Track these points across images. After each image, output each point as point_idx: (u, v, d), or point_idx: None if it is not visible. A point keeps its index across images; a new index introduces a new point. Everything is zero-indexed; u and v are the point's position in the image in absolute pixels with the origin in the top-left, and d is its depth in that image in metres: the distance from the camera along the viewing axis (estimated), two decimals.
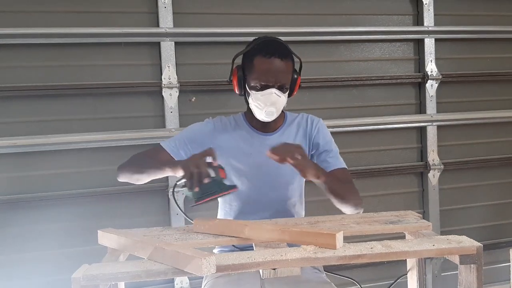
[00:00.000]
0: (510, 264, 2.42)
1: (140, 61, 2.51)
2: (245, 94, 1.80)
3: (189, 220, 1.60)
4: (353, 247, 1.26)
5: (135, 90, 2.48)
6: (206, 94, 2.58)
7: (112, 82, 2.45)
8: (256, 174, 1.81)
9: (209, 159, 1.53)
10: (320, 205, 2.25)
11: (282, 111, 1.84)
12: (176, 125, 2.50)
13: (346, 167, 1.85)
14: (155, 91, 2.50)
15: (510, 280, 2.43)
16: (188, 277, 2.49)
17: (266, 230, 1.40)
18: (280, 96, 1.70)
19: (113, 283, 1.16)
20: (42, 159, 2.39)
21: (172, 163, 1.57)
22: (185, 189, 1.50)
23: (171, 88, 2.49)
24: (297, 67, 1.83)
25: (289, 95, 1.78)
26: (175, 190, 1.60)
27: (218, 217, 1.96)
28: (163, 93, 2.48)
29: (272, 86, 1.68)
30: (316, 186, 1.70)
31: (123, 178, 1.74)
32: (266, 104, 1.70)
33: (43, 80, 2.38)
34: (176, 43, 2.50)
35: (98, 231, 1.49)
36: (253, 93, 1.72)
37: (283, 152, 1.50)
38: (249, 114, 1.87)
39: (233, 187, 1.58)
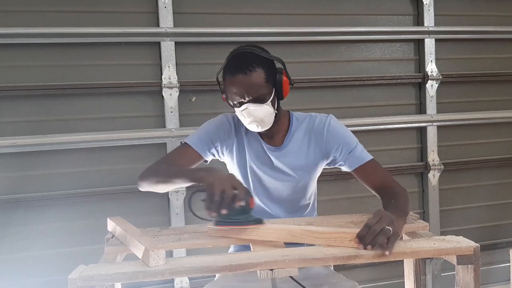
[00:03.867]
0: (509, 265, 2.41)
1: (140, 61, 2.51)
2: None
3: (215, 230, 1.50)
4: (351, 247, 1.27)
5: (135, 90, 2.48)
6: (206, 94, 2.58)
7: (112, 82, 2.46)
8: (265, 185, 1.82)
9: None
10: (327, 205, 2.28)
11: (288, 112, 1.83)
12: (176, 125, 2.50)
13: (372, 157, 1.82)
14: (155, 91, 2.50)
15: (509, 280, 2.43)
16: (188, 277, 2.49)
17: (282, 232, 1.41)
18: (260, 108, 1.64)
19: (109, 283, 1.16)
20: (42, 159, 2.39)
21: (199, 177, 1.47)
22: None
23: (171, 88, 2.49)
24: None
25: (279, 98, 1.72)
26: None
27: None
28: (163, 93, 2.48)
29: (247, 102, 1.64)
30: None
31: (144, 188, 1.72)
32: (246, 119, 1.67)
33: (43, 80, 2.38)
34: (176, 43, 2.51)
35: (108, 218, 1.58)
36: (235, 109, 1.70)
37: (369, 240, 1.28)
38: None
39: (260, 221, 1.47)
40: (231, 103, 1.69)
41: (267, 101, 1.66)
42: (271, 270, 1.19)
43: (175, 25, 2.50)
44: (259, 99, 1.64)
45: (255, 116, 1.65)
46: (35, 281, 2.39)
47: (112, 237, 1.52)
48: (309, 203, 1.89)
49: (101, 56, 2.46)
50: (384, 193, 1.73)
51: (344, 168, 1.83)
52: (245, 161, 1.81)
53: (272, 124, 1.70)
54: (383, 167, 1.82)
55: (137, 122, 2.50)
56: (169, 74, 2.49)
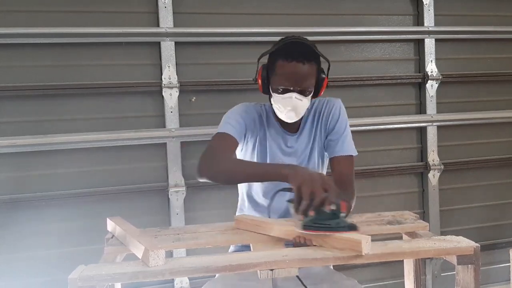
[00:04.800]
0: (509, 265, 2.42)
1: (140, 61, 2.51)
2: (269, 94, 1.78)
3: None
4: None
5: (135, 90, 2.48)
6: (206, 94, 2.58)
7: (112, 82, 2.46)
8: None
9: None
10: None
11: None
12: (176, 125, 2.50)
13: (354, 153, 1.82)
14: (155, 91, 2.50)
15: (509, 280, 2.43)
16: (188, 277, 2.49)
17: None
18: (301, 100, 1.68)
19: (109, 284, 1.16)
20: (42, 159, 2.39)
21: (285, 174, 1.42)
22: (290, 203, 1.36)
23: (171, 88, 2.49)
24: (324, 67, 1.80)
25: (314, 96, 1.76)
26: None
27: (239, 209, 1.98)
28: (163, 93, 2.48)
29: (293, 90, 1.67)
30: None
31: (206, 180, 1.65)
32: (286, 107, 1.69)
33: (43, 80, 2.38)
34: (176, 43, 2.50)
35: (107, 218, 1.59)
36: (274, 95, 1.71)
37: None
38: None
39: (354, 228, 1.33)
40: (273, 87, 1.71)
41: (309, 95, 1.71)
42: (271, 270, 1.19)
43: (175, 25, 2.50)
44: (304, 91, 1.68)
45: (296, 106, 1.68)
46: (35, 281, 2.39)
47: (112, 237, 1.52)
48: None
49: (101, 56, 2.45)
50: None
51: (327, 151, 1.86)
52: (265, 152, 1.83)
53: None
54: (353, 172, 1.81)
55: (137, 122, 2.50)
56: (169, 74, 2.49)
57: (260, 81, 1.77)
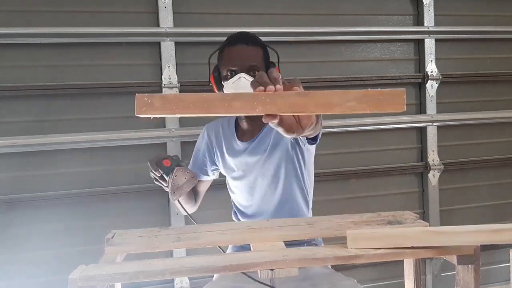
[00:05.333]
0: (509, 265, 2.41)
1: (140, 61, 2.51)
2: (222, 89, 1.78)
3: (193, 221, 1.64)
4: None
5: (135, 90, 2.48)
6: None
7: (112, 82, 2.46)
8: (246, 184, 1.88)
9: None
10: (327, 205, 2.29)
11: None
12: (176, 125, 2.50)
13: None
14: (155, 91, 2.50)
15: (509, 280, 2.43)
16: (188, 277, 2.49)
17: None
18: (249, 80, 1.63)
19: (110, 284, 1.15)
20: (42, 159, 2.39)
21: None
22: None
23: (171, 88, 2.49)
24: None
25: None
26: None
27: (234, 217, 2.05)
28: (163, 93, 2.48)
29: (241, 71, 1.67)
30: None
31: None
32: (236, 90, 1.65)
33: (43, 80, 2.38)
34: (176, 43, 2.51)
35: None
36: (225, 83, 1.72)
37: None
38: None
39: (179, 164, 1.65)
40: (223, 76, 1.74)
41: None
42: (272, 270, 1.19)
43: (175, 25, 2.50)
44: (252, 71, 1.68)
45: (246, 86, 1.62)
46: (35, 281, 2.39)
47: (112, 237, 1.52)
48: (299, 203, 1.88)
49: (101, 56, 2.46)
50: None
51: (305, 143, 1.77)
52: (225, 159, 1.90)
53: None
54: None
55: (137, 122, 2.50)
56: (169, 74, 2.49)
57: (212, 80, 1.81)
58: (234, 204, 1.99)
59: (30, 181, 2.39)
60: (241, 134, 1.87)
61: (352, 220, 1.63)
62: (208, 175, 2.00)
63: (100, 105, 2.46)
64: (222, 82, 1.75)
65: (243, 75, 1.66)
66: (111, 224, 2.08)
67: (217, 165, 1.97)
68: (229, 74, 1.70)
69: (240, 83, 1.66)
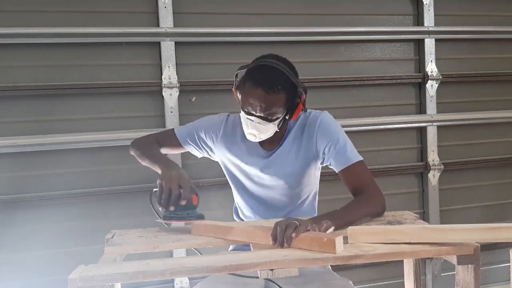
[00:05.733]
0: (509, 265, 2.41)
1: (140, 61, 2.51)
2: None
3: (164, 224, 1.59)
4: (351, 247, 1.27)
5: (135, 90, 2.48)
6: (206, 94, 2.58)
7: (112, 82, 2.46)
8: (255, 188, 1.85)
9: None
10: (327, 205, 2.27)
11: None
12: (176, 125, 2.50)
13: (360, 159, 1.74)
14: (155, 91, 2.50)
15: (509, 280, 2.42)
16: (188, 277, 2.49)
17: (260, 236, 1.39)
18: (264, 125, 1.64)
19: (109, 284, 1.15)
20: (42, 159, 2.39)
21: (159, 169, 1.61)
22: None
23: (171, 88, 2.49)
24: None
25: (289, 119, 1.69)
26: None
27: (235, 215, 2.00)
28: (163, 93, 2.48)
29: (256, 116, 1.63)
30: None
31: (132, 153, 1.87)
32: (248, 127, 1.67)
33: (43, 80, 2.38)
34: (176, 43, 2.51)
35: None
36: (242, 112, 1.69)
37: (281, 239, 1.32)
38: None
39: (201, 217, 1.56)
40: (241, 104, 1.69)
41: (274, 121, 1.66)
42: (272, 270, 1.19)
43: (175, 25, 2.50)
44: (268, 119, 1.64)
45: (257, 130, 1.66)
46: (35, 281, 2.39)
47: (112, 237, 1.52)
48: (305, 205, 1.90)
49: (101, 56, 2.46)
50: (356, 196, 1.71)
51: (333, 168, 1.79)
52: (239, 166, 1.84)
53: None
54: (369, 172, 1.78)
55: (137, 122, 2.50)
56: (169, 74, 2.49)
57: (235, 93, 1.73)
58: (239, 206, 1.96)
59: (30, 181, 2.39)
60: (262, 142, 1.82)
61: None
62: (188, 148, 1.90)
63: (100, 105, 2.46)
64: (241, 107, 1.70)
65: (256, 119, 1.64)
66: (111, 224, 2.07)
67: (210, 156, 1.92)
68: (245, 109, 1.66)
69: (252, 124, 1.66)
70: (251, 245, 1.42)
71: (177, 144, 1.88)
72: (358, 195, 1.69)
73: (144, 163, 1.79)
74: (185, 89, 2.52)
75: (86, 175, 2.45)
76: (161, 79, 2.48)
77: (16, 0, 2.34)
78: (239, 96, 1.70)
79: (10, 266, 2.37)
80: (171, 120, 2.50)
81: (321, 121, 1.77)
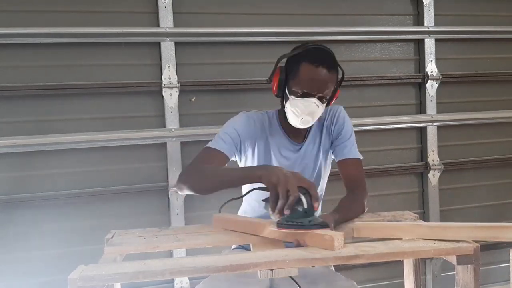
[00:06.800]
0: (509, 265, 2.41)
1: (140, 61, 2.51)
2: (283, 97, 1.77)
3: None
4: (351, 247, 1.27)
5: (135, 90, 2.48)
6: (206, 94, 2.58)
7: (112, 82, 2.46)
8: None
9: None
10: (327, 205, 2.28)
11: None
12: (176, 125, 2.50)
13: (360, 157, 1.87)
14: (155, 91, 2.50)
15: (509, 280, 2.42)
16: (188, 277, 2.49)
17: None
18: (319, 106, 1.68)
19: (109, 284, 1.16)
20: (42, 159, 2.39)
21: (258, 175, 1.41)
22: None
23: (171, 88, 2.49)
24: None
25: (328, 103, 1.76)
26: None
27: (243, 209, 1.98)
28: (163, 93, 2.48)
29: (314, 95, 1.66)
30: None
31: (187, 191, 1.64)
32: (303, 112, 1.68)
33: (43, 80, 2.38)
34: (176, 43, 2.50)
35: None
36: (292, 98, 1.69)
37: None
38: (282, 115, 1.84)
39: (325, 225, 1.36)
40: (292, 90, 1.69)
41: (325, 102, 1.71)
42: (271, 270, 1.19)
43: (175, 25, 2.50)
44: (323, 98, 1.69)
45: (313, 112, 1.68)
46: (35, 281, 2.39)
47: (112, 237, 1.52)
48: (321, 195, 2.00)
49: (101, 56, 2.45)
50: (349, 193, 1.82)
51: (334, 156, 1.91)
52: (270, 161, 1.83)
53: None
54: (363, 173, 1.88)
55: (137, 122, 2.50)
56: (169, 74, 2.49)
57: (276, 82, 1.74)
58: (251, 205, 1.92)
59: (30, 181, 2.39)
60: (290, 134, 1.86)
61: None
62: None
63: (100, 105, 2.46)
64: (288, 93, 1.71)
65: (315, 100, 1.66)
66: (111, 224, 2.07)
67: (238, 157, 1.86)
68: (300, 92, 1.67)
69: (310, 107, 1.67)
70: (251, 245, 1.42)
71: (224, 159, 1.74)
72: (353, 190, 1.82)
73: (218, 186, 1.59)
74: (185, 89, 2.52)
75: (86, 175, 2.45)
76: (161, 79, 2.48)
77: (16, 0, 2.34)
78: (289, 81, 1.71)
79: (10, 266, 2.36)
80: (171, 120, 2.50)
81: (339, 115, 1.88)
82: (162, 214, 2.55)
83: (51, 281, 2.40)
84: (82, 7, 2.42)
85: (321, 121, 1.86)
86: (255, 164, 1.82)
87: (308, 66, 1.65)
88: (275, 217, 1.37)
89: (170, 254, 2.46)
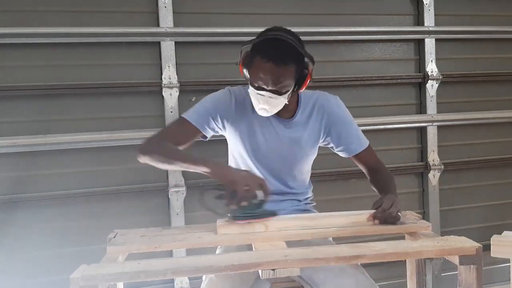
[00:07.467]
0: (509, 265, 2.41)
1: (140, 61, 2.51)
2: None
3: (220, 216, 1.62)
4: (353, 247, 1.27)
5: (135, 90, 2.48)
6: (206, 94, 2.54)
7: (112, 82, 2.45)
8: (268, 157, 1.88)
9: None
10: (327, 205, 2.30)
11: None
12: None
13: (368, 141, 1.96)
14: (155, 91, 2.50)
15: (509, 280, 2.42)
16: (188, 277, 2.49)
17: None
18: (275, 99, 1.68)
19: (111, 283, 1.15)
20: (42, 159, 2.39)
21: (204, 167, 1.60)
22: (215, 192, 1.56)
23: (171, 88, 2.49)
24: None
25: (297, 90, 1.75)
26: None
27: None
28: (163, 93, 2.48)
29: (266, 90, 1.66)
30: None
31: (144, 161, 1.76)
32: (259, 102, 1.70)
33: (43, 80, 2.38)
34: (176, 43, 2.50)
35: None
36: (251, 88, 1.72)
37: (383, 218, 1.62)
38: None
39: (274, 214, 1.61)
40: (250, 80, 1.71)
41: (285, 94, 1.69)
42: (273, 270, 1.19)
43: (175, 25, 2.50)
44: (279, 92, 1.68)
45: (268, 104, 1.70)
46: (35, 281, 2.39)
47: (114, 237, 1.52)
48: (305, 178, 2.00)
49: (101, 56, 2.45)
50: (378, 176, 1.95)
51: (341, 154, 1.96)
52: (252, 132, 1.86)
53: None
54: (375, 154, 2.01)
55: (137, 122, 2.50)
56: (169, 74, 2.48)
57: (241, 67, 1.75)
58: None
59: (30, 181, 2.39)
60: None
61: (353, 220, 1.64)
62: (205, 132, 1.86)
63: (100, 105, 2.46)
64: (249, 84, 1.73)
65: (268, 94, 1.67)
66: (111, 224, 2.07)
67: (217, 132, 1.91)
68: (255, 84, 1.68)
69: (263, 99, 1.69)
70: (252, 245, 1.42)
71: (194, 131, 1.81)
72: (378, 171, 1.96)
73: (166, 166, 1.74)
74: (185, 89, 2.52)
75: (86, 175, 2.45)
76: (161, 79, 2.48)
77: (16, 0, 2.34)
78: (246, 72, 1.73)
79: (10, 266, 2.36)
80: (171, 120, 2.49)
81: (337, 105, 1.92)
82: (162, 214, 2.55)
83: (51, 281, 2.39)
84: (82, 7, 2.42)
85: (314, 105, 1.89)
86: (238, 138, 1.87)
87: (259, 60, 1.64)
88: (231, 211, 1.54)
89: (170, 254, 2.45)
